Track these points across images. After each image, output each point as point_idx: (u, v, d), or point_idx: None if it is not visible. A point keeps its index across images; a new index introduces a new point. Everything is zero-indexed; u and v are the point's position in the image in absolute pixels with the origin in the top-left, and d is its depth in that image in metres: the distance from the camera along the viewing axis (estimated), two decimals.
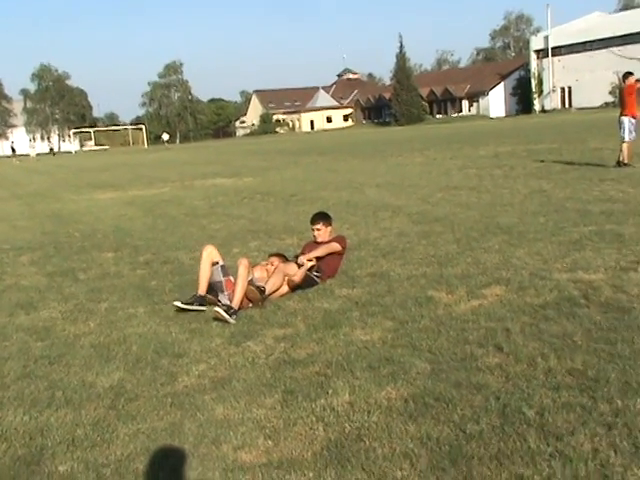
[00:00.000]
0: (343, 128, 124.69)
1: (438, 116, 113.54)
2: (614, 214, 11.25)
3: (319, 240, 8.75)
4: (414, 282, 8.06)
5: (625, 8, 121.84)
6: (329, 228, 8.87)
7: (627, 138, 18.49)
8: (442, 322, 6.48)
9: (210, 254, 7.93)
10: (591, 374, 4.95)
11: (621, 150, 18.57)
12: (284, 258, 8.50)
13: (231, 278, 7.87)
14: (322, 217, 8.93)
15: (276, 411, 4.84)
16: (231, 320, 7.15)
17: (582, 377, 4.92)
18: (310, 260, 8.30)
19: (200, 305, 7.66)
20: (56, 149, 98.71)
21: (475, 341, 5.89)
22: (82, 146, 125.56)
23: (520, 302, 6.88)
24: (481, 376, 5.10)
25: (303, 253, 8.61)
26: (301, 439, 4.40)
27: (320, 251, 8.49)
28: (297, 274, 8.05)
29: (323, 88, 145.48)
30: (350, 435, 4.38)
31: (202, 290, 7.78)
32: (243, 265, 7.65)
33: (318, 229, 8.79)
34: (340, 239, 8.83)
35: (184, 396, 5.29)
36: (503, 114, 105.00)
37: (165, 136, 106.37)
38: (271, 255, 8.68)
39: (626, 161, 18.28)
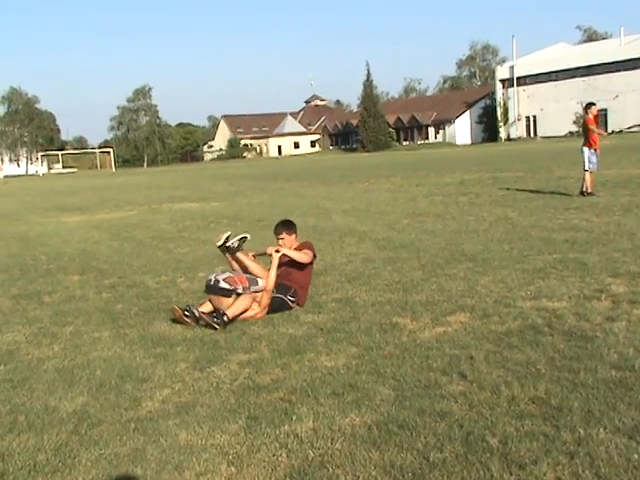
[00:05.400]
0: (310, 154, 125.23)
1: (405, 143, 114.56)
2: (578, 242, 11.37)
3: None
4: (379, 308, 8.08)
5: (589, 40, 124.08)
6: (293, 236, 8.82)
7: (586, 167, 18.75)
8: (406, 349, 6.49)
9: None
10: (554, 403, 4.98)
11: (584, 180, 18.82)
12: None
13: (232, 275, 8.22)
14: (284, 226, 8.88)
15: (239, 437, 4.82)
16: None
17: (545, 405, 4.94)
18: (278, 252, 8.38)
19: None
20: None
21: (439, 368, 5.90)
22: (50, 169, 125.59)
23: (484, 330, 6.92)
24: (445, 404, 5.10)
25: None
26: (264, 466, 4.38)
27: (293, 253, 8.48)
28: (263, 295, 8.07)
29: (291, 114, 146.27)
30: (313, 462, 4.36)
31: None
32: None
33: (282, 238, 8.73)
34: (309, 246, 8.79)
35: (147, 421, 5.24)
36: (469, 142, 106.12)
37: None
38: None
39: (589, 190, 18.50)
